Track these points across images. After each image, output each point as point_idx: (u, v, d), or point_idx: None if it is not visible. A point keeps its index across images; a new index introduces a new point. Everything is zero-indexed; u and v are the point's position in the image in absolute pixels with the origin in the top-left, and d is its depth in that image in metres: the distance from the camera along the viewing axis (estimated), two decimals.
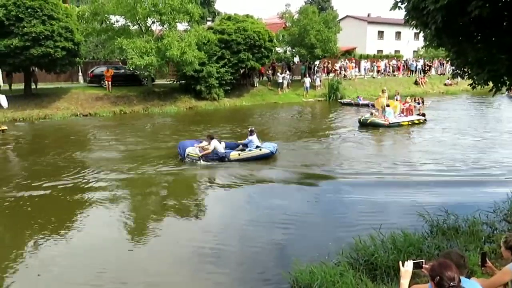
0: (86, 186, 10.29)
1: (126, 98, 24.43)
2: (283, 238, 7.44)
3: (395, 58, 41.56)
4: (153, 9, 23.80)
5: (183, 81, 26.68)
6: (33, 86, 23.46)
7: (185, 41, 23.64)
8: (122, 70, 27.09)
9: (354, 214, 8.51)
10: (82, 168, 11.88)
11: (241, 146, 12.72)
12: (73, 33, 21.27)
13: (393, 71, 38.33)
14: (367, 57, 41.25)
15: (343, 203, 9.25)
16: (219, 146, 12.04)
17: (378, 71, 37.60)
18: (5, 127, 17.76)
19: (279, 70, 31.89)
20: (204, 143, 12.18)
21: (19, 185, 10.30)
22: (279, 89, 30.36)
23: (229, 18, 28.21)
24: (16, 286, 5.96)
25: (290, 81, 31.36)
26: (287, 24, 32.49)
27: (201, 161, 11.86)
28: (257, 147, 12.31)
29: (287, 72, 31.83)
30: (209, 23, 38.67)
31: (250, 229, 7.85)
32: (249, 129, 12.74)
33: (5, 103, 18.59)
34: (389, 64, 38.52)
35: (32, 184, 10.32)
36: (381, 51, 46.46)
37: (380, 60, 39.63)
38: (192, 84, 25.80)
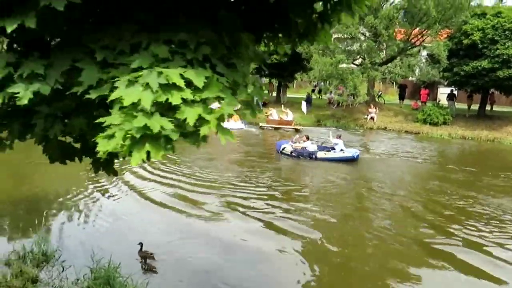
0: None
1: None
2: None
3: None
4: None
5: None
6: (487, 108, 23.52)
7: None
8: None
9: None
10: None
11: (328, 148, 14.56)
12: None
13: None
14: None
15: None
16: (311, 146, 14.31)
17: None
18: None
19: None
20: (298, 144, 14.43)
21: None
22: None
23: None
24: None
25: None
26: None
27: (295, 156, 14.23)
28: (341, 150, 14.09)
29: None
30: None
31: None
32: (337, 134, 15.20)
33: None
34: None
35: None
36: None
37: None
38: None
